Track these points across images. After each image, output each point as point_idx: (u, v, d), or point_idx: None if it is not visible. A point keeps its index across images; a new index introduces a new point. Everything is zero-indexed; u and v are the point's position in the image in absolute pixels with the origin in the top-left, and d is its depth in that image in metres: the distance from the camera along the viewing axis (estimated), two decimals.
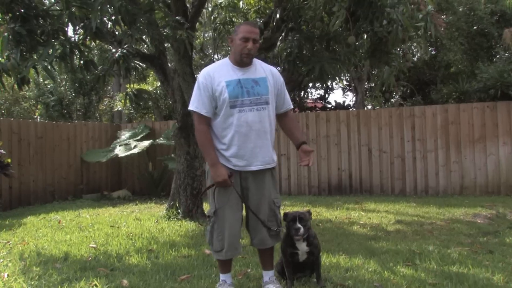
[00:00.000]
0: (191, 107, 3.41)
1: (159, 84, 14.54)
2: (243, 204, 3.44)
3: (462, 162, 10.52)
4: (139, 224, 6.86)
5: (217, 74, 3.39)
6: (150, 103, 14.00)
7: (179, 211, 7.40)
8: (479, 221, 6.99)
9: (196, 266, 4.34)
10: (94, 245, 5.35)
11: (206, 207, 7.84)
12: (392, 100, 11.91)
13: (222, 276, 3.51)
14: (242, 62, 3.38)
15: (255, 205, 3.43)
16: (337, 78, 6.89)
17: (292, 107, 3.69)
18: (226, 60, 3.49)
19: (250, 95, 3.35)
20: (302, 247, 3.56)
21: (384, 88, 9.01)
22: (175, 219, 7.22)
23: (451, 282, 3.58)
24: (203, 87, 3.37)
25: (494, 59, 12.03)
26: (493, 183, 10.37)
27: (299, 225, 3.44)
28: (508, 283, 3.61)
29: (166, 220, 7.18)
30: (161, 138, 11.67)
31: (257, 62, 3.52)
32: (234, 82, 3.35)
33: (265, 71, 3.48)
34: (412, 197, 10.30)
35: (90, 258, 4.72)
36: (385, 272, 3.93)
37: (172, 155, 11.13)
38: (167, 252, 4.95)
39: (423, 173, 10.78)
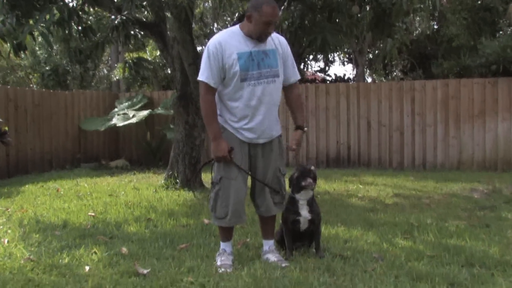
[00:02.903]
0: (200, 77, 3.33)
1: (158, 53, 14.39)
2: (248, 176, 3.44)
3: (461, 137, 10.52)
4: (137, 193, 6.87)
5: (228, 44, 3.28)
6: (148, 73, 13.87)
7: (178, 180, 7.40)
8: (476, 196, 7.03)
9: (195, 235, 4.35)
10: (93, 214, 5.36)
11: (205, 177, 7.85)
12: (393, 73, 11.82)
13: (222, 245, 3.52)
14: (260, 40, 3.28)
15: (261, 173, 3.43)
16: (339, 49, 6.81)
17: (299, 78, 3.62)
18: (237, 29, 3.37)
19: (261, 67, 3.29)
20: (305, 214, 3.57)
21: (386, 61, 8.93)
22: (173, 188, 7.23)
23: (448, 254, 3.60)
24: (213, 57, 3.28)
25: (497, 35, 11.90)
26: (491, 159, 10.39)
27: (312, 168, 3.47)
28: (504, 256, 3.63)
29: (164, 190, 7.18)
30: (160, 108, 11.60)
31: None
32: (245, 55, 3.27)
33: (274, 42, 3.40)
34: (409, 171, 10.33)
35: (89, 226, 4.74)
36: (384, 243, 3.95)
37: (171, 125, 11.08)
38: (165, 221, 4.97)
39: (421, 147, 10.79)
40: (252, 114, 3.30)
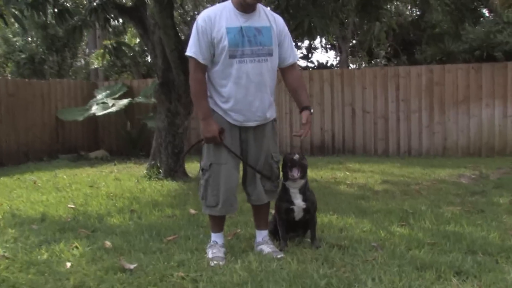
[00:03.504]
0: (188, 52, 3.12)
1: (137, 41, 14.02)
2: (240, 162, 3.24)
3: (445, 123, 10.47)
4: (119, 184, 6.61)
5: (217, 18, 3.07)
6: (128, 60, 13.49)
7: (160, 170, 7.16)
8: (463, 182, 6.96)
9: (182, 226, 4.14)
10: (73, 206, 5.09)
11: (188, 166, 7.62)
12: (378, 60, 11.69)
13: (213, 236, 3.31)
14: (246, 4, 3.05)
15: (253, 159, 3.23)
16: (326, 34, 6.62)
17: (297, 59, 3.42)
18: (229, 3, 3.15)
19: (252, 44, 3.08)
20: (299, 203, 3.38)
21: (373, 45, 8.78)
22: (156, 178, 6.99)
23: (448, 241, 3.46)
24: (202, 31, 3.07)
25: (480, 20, 11.85)
26: (475, 145, 10.38)
27: (296, 156, 3.26)
28: (505, 242, 3.51)
29: (147, 180, 6.94)
30: (140, 97, 11.30)
31: (261, 8, 3.20)
32: (235, 30, 3.05)
33: (269, 19, 3.18)
34: (395, 158, 10.25)
35: (69, 219, 4.47)
36: (381, 231, 3.79)
37: (151, 113, 10.81)
38: (150, 212, 4.74)
39: (406, 134, 10.72)
40: (241, 94, 3.09)
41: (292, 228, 3.57)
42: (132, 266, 2.91)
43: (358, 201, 5.32)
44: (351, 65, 14.26)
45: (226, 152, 3.13)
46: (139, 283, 2.69)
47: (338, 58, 14.41)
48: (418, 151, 10.65)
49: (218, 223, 3.30)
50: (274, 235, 3.57)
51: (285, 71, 3.33)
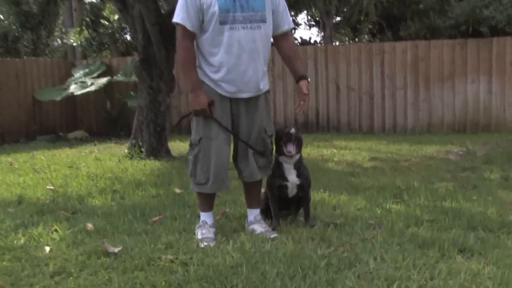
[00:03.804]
0: (175, 19, 2.89)
1: (116, 17, 13.57)
2: (231, 136, 3.03)
3: (431, 99, 10.38)
4: (99, 164, 6.36)
5: None
6: (106, 39, 13.05)
7: (142, 149, 6.93)
8: (451, 158, 6.89)
9: (167, 206, 3.93)
10: (52, 187, 4.84)
11: (170, 145, 7.40)
12: (362, 35, 11.49)
13: (202, 216, 3.12)
14: None
15: (245, 133, 3.03)
16: (313, 6, 6.39)
17: (292, 26, 3.21)
18: None
19: (244, 10, 2.85)
20: (292, 179, 3.21)
21: (362, 18, 8.57)
22: (139, 158, 6.75)
23: (447, 217, 3.33)
24: None
25: None
26: (460, 121, 10.33)
27: (292, 130, 3.08)
28: (503, 217, 3.40)
29: (128, 159, 6.70)
30: (119, 75, 10.94)
31: None
32: None
33: None
34: (380, 135, 10.16)
35: (47, 201, 4.22)
36: (376, 208, 3.65)
37: (132, 92, 10.51)
38: (133, 192, 4.53)
39: (391, 111, 10.61)
40: (233, 63, 2.87)
41: (285, 206, 3.40)
42: (116, 250, 2.69)
43: (349, 178, 5.18)
44: (335, 42, 14.05)
45: (216, 125, 2.93)
46: (125, 267, 2.48)
47: (321, 35, 14.17)
48: (403, 128, 10.57)
49: (207, 201, 3.11)
50: (266, 214, 3.39)
51: (280, 39, 3.12)
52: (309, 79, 3.10)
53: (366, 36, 11.78)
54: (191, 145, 3.01)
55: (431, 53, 10.29)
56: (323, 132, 10.58)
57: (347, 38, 13.54)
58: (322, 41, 13.56)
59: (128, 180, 5.15)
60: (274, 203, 3.28)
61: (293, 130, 3.11)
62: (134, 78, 10.49)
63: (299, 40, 15.99)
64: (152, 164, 6.31)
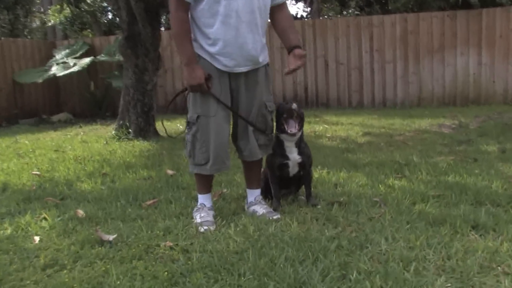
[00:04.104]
0: None
1: None
2: (231, 113, 2.86)
3: (420, 73, 10.27)
4: (86, 147, 6.14)
5: None
6: (86, 18, 12.63)
7: (130, 130, 6.72)
8: (445, 131, 6.80)
9: (161, 189, 3.76)
10: (38, 172, 4.62)
11: (158, 125, 7.19)
12: (349, 10, 11.27)
13: (200, 198, 2.96)
14: None
15: (244, 109, 2.85)
16: None
17: None
18: None
19: None
20: (294, 157, 3.06)
21: None
22: (126, 139, 6.55)
23: (453, 192, 3.21)
24: None
25: None
26: (450, 94, 10.25)
27: (293, 106, 2.92)
28: (508, 190, 3.29)
29: (116, 141, 6.49)
30: (103, 55, 10.62)
31: None
32: None
33: None
34: (370, 110, 10.06)
35: (34, 187, 4.01)
36: (379, 185, 3.52)
37: (116, 72, 10.22)
38: (123, 175, 4.34)
39: (381, 85, 10.49)
40: (231, 35, 2.68)
41: (285, 185, 3.26)
42: (111, 238, 2.52)
43: (345, 154, 5.05)
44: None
45: (214, 102, 2.74)
46: (122, 257, 2.30)
47: (307, 9, 13.89)
48: (393, 102, 10.47)
49: (206, 183, 2.95)
50: (265, 194, 3.24)
51: (275, 10, 2.92)
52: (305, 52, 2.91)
53: (354, 10, 11.55)
54: (188, 123, 2.82)
55: (420, 25, 10.14)
56: (312, 108, 10.44)
57: (333, 12, 13.29)
58: (309, 16, 13.29)
59: (118, 163, 4.96)
60: (274, 182, 3.13)
61: (295, 106, 2.95)
62: (118, 57, 10.22)
63: None
64: (141, 145, 6.12)
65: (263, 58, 2.86)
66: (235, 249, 2.33)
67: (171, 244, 2.43)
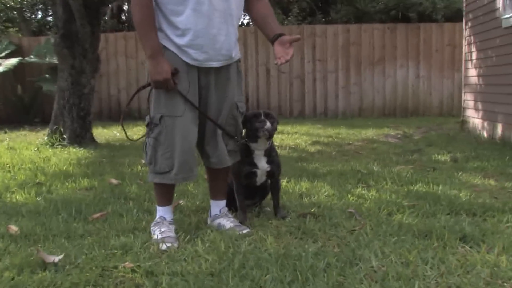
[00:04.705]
0: None
1: None
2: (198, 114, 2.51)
3: (362, 84, 10.38)
4: (15, 154, 5.52)
5: None
6: (12, 13, 11.71)
7: (64, 136, 6.16)
8: (391, 141, 6.81)
9: (107, 200, 3.34)
10: None
11: (94, 131, 6.69)
12: (292, 17, 11.19)
13: (160, 211, 2.59)
14: None
15: (214, 110, 2.53)
16: None
17: None
18: None
19: None
20: (262, 165, 2.77)
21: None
22: (60, 146, 5.99)
23: (427, 202, 3.05)
24: None
25: None
26: (390, 106, 10.43)
27: (264, 118, 2.66)
28: (478, 200, 3.18)
29: (49, 148, 5.92)
30: (32, 56, 9.85)
31: None
32: None
33: None
34: (312, 119, 10.00)
35: None
36: (347, 195, 3.30)
37: (47, 75, 9.50)
38: (61, 185, 3.86)
39: (322, 95, 10.49)
40: (202, 24, 2.35)
41: (250, 195, 2.96)
42: (56, 259, 2.08)
43: (299, 164, 4.83)
44: None
45: (182, 101, 2.39)
46: (73, 283, 1.88)
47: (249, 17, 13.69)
48: (334, 112, 10.49)
49: (167, 194, 2.58)
50: (229, 206, 2.92)
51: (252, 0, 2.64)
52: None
53: (296, 19, 11.49)
54: (149, 125, 2.44)
55: (362, 37, 10.26)
56: None
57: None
58: (251, 23, 13.12)
59: (53, 171, 4.44)
60: (240, 193, 2.83)
61: (261, 110, 2.70)
62: (49, 59, 9.53)
63: None
64: (78, 153, 5.59)
65: (236, 53, 2.57)
66: (208, 269, 1.99)
67: (132, 265, 2.03)
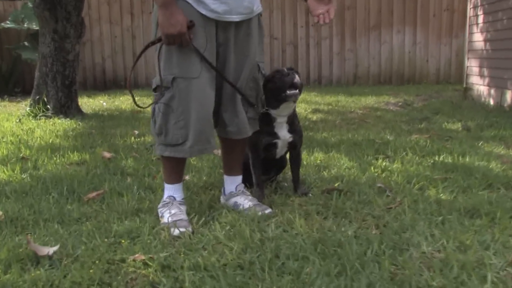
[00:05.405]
0: None
1: None
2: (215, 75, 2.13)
3: (357, 50, 10.00)
4: None
5: None
6: None
7: (48, 106, 5.72)
8: (392, 108, 6.52)
9: (102, 176, 2.98)
10: None
11: (80, 101, 6.26)
12: None
13: (169, 189, 2.24)
14: None
15: (232, 71, 2.16)
16: None
17: None
18: None
19: None
20: (284, 135, 2.44)
21: None
22: (44, 117, 5.56)
23: (459, 175, 2.76)
24: None
25: None
26: (386, 73, 10.10)
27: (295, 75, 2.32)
28: (507, 171, 2.91)
29: (32, 119, 5.49)
30: (8, 22, 9.22)
31: None
32: None
33: None
34: (305, 87, 9.55)
35: None
36: (371, 168, 2.99)
37: (26, 42, 8.93)
38: (49, 160, 3.48)
39: (316, 62, 10.10)
40: None
41: (266, 169, 2.63)
42: (51, 251, 1.73)
43: (306, 133, 4.48)
44: None
45: (198, 60, 2.02)
46: (73, 283, 1.54)
47: None
48: (328, 79, 10.13)
49: (178, 169, 2.22)
50: (243, 182, 2.58)
51: None
52: None
53: None
54: (158, 89, 2.07)
55: (358, 1, 9.84)
56: None
57: None
58: None
59: (38, 144, 4.05)
60: (257, 167, 2.49)
61: (297, 79, 2.33)
62: (28, 25, 8.96)
63: None
64: (64, 124, 5.18)
65: (258, 5, 2.20)
66: (235, 261, 1.67)
67: (143, 257, 1.70)
